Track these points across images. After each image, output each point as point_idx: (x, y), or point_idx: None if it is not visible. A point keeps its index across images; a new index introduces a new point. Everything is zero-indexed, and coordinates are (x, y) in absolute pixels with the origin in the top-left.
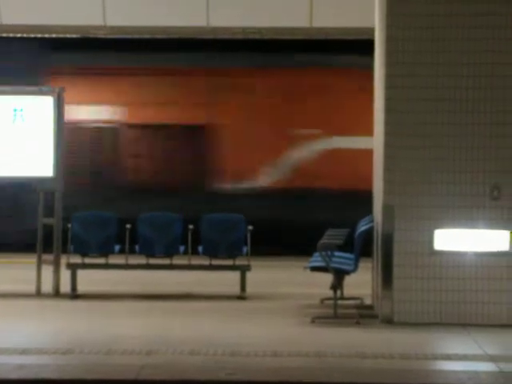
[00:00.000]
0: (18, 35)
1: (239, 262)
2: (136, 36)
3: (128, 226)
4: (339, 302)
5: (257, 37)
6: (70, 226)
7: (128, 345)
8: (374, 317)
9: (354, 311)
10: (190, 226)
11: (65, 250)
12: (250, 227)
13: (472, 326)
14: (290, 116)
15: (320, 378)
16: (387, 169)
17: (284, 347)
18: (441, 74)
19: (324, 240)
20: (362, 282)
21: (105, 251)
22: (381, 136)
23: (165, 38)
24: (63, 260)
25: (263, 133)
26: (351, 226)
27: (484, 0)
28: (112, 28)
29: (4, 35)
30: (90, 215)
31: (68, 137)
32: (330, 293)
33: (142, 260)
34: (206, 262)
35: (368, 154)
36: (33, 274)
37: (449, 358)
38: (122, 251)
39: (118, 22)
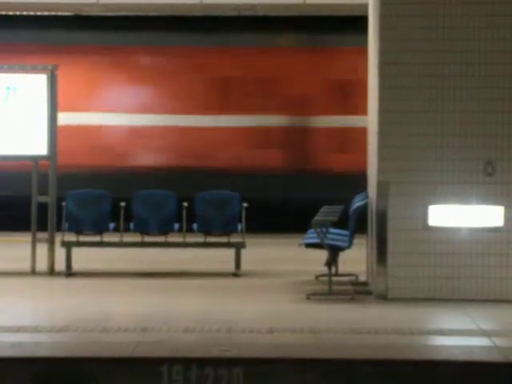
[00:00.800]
0: (18, 13)
1: (234, 239)
2: (129, 13)
3: (123, 204)
4: (334, 278)
5: (251, 13)
6: (64, 204)
7: (123, 322)
8: (369, 293)
9: (348, 287)
10: (185, 204)
11: (59, 228)
12: (245, 204)
13: (466, 302)
14: None
15: (315, 354)
16: (381, 145)
17: (279, 323)
18: (434, 50)
19: (319, 217)
20: (356, 259)
21: (99, 229)
22: (375, 113)
23: None
24: (58, 238)
25: None
26: None
27: None
28: (105, 5)
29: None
30: (84, 193)
31: None
32: (325, 269)
33: (137, 238)
34: (200, 239)
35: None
36: (27, 252)
37: (443, 333)
38: (116, 229)
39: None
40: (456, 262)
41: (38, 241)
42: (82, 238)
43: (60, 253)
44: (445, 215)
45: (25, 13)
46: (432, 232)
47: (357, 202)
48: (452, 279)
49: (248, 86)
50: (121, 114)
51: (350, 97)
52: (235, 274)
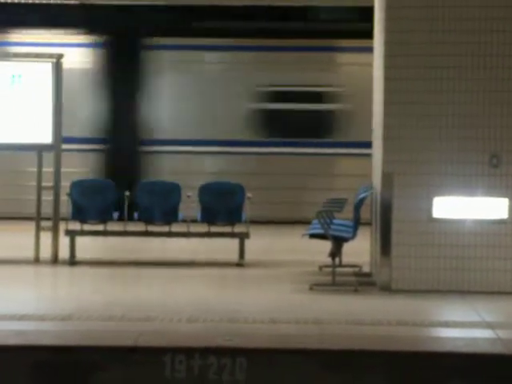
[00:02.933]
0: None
1: (238, 229)
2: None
3: (127, 193)
4: (338, 269)
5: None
6: (68, 192)
7: (126, 311)
8: (373, 284)
9: (352, 278)
10: (188, 194)
11: (63, 217)
12: (249, 195)
13: (470, 293)
14: None
15: (318, 344)
16: (386, 137)
17: (282, 314)
18: (440, 41)
19: (323, 208)
20: (360, 250)
21: (103, 218)
22: (380, 104)
23: None
24: (62, 226)
25: None
26: None
27: None
28: None
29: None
30: (88, 182)
31: None
32: (329, 260)
33: (141, 227)
34: (204, 229)
35: None
36: (31, 240)
37: (446, 324)
38: (120, 218)
39: None
40: (460, 254)
41: (42, 229)
42: (86, 227)
43: (64, 241)
44: (449, 207)
45: None
46: (437, 223)
47: (361, 193)
48: (456, 271)
49: None
50: None
51: None
52: (239, 264)
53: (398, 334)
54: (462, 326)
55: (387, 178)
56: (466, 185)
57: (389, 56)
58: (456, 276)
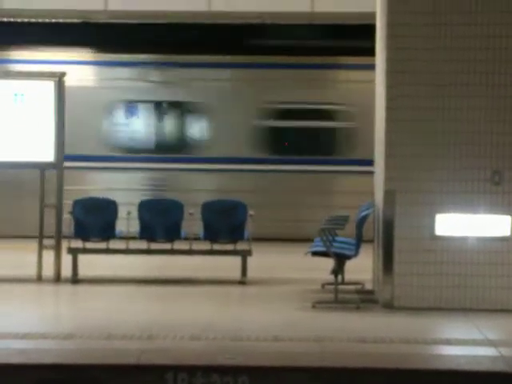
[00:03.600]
0: (26, 20)
1: (240, 246)
2: (136, 21)
3: (128, 211)
4: (340, 286)
5: (258, 21)
6: (71, 210)
7: (129, 329)
8: (375, 302)
9: (354, 296)
10: (191, 211)
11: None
12: (251, 212)
13: (472, 311)
14: None
15: (320, 362)
16: (388, 154)
17: (285, 332)
18: (441, 59)
19: (325, 225)
20: (363, 267)
21: (106, 236)
22: (382, 122)
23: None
24: (64, 244)
25: None
26: None
27: None
28: (112, 12)
29: (5, 20)
30: (90, 200)
31: None
32: (331, 278)
33: (143, 245)
34: (207, 246)
35: None
36: (34, 258)
37: (449, 342)
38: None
39: (119, 7)
40: (463, 272)
41: (45, 247)
42: (89, 245)
43: (66, 259)
44: (452, 224)
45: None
46: (439, 241)
47: (363, 211)
48: (459, 288)
49: None
50: None
51: None
52: (241, 282)
53: (400, 351)
54: (464, 343)
55: (389, 196)
56: (468, 202)
57: (391, 73)
58: (458, 293)
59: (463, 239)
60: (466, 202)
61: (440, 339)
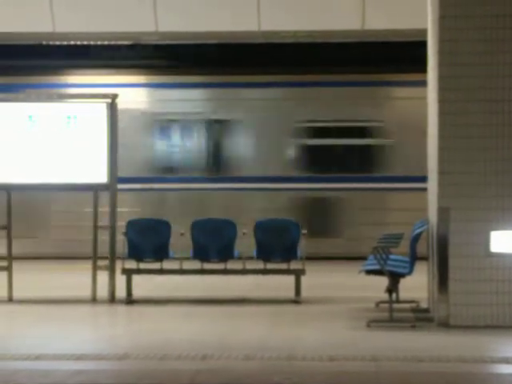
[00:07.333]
0: (79, 42)
1: (294, 265)
2: (187, 41)
3: (182, 232)
4: (395, 305)
5: (308, 40)
6: (124, 232)
7: (183, 350)
8: (430, 320)
9: (409, 314)
10: (244, 231)
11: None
12: (304, 231)
13: None
14: None
15: (376, 382)
16: (441, 171)
17: (339, 351)
18: (494, 75)
19: (379, 243)
20: (417, 285)
21: (159, 256)
22: (435, 138)
23: None
24: (118, 265)
25: None
26: None
27: None
28: (163, 34)
29: (58, 43)
30: (144, 221)
31: None
32: (386, 296)
33: (197, 265)
34: (260, 266)
35: None
36: (88, 280)
37: (507, 361)
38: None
39: (170, 28)
40: None
41: (99, 268)
42: (142, 266)
43: (120, 280)
44: (507, 241)
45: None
46: (494, 258)
47: (417, 229)
48: None
49: None
50: None
51: None
52: (295, 301)
53: (457, 370)
54: None
55: (443, 213)
56: None
57: (443, 89)
58: None
59: None
60: None
61: (498, 358)
